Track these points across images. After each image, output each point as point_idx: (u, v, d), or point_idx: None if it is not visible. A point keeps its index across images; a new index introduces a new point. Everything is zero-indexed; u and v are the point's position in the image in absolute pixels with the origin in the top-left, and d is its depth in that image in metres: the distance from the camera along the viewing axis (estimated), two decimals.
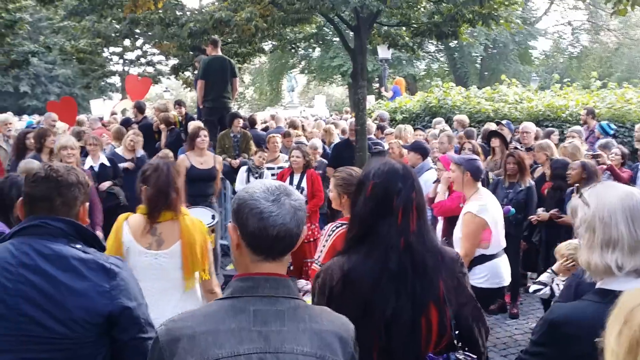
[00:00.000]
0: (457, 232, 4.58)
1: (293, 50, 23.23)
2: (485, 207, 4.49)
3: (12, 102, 35.24)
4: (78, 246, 2.10)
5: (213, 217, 5.62)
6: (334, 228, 3.57)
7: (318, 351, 1.60)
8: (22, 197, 2.19)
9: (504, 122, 9.96)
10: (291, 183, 6.72)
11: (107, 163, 7.16)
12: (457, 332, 2.16)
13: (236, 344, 1.55)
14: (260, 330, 1.58)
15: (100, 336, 2.05)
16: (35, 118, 19.00)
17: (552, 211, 6.10)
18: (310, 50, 33.38)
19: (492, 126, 9.48)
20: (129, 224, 3.50)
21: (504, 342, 5.80)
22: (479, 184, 4.68)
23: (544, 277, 4.25)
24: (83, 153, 7.44)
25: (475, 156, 4.99)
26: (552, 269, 4.21)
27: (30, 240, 2.06)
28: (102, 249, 2.22)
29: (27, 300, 1.97)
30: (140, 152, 7.96)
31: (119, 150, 7.98)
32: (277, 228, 1.62)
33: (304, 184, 6.80)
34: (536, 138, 8.39)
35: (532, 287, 4.34)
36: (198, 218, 3.79)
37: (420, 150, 6.96)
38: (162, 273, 3.47)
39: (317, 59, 36.46)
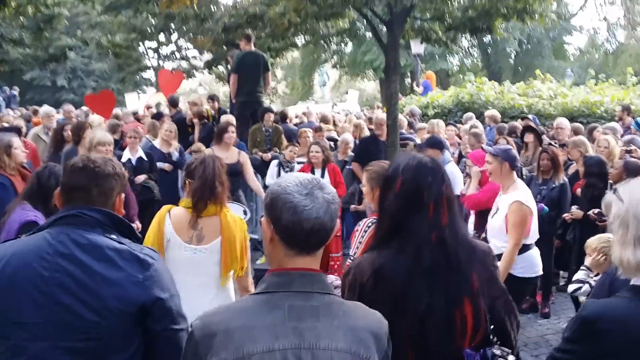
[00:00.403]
0: (496, 221, 4.58)
1: (325, 45, 23.20)
2: (528, 197, 4.54)
3: (50, 95, 35.89)
4: (113, 236, 2.12)
5: (245, 212, 5.66)
6: (370, 224, 3.55)
7: (352, 347, 1.59)
8: (60, 187, 2.22)
9: (529, 116, 9.82)
10: None
11: (145, 157, 7.23)
12: (492, 326, 2.15)
13: (271, 340, 1.55)
14: (295, 326, 1.57)
15: (134, 326, 2.07)
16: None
17: (592, 211, 5.87)
18: (343, 45, 33.29)
19: (518, 123, 9.37)
20: (171, 216, 3.54)
21: (535, 341, 5.73)
22: (516, 175, 4.68)
23: (580, 274, 4.20)
24: (118, 146, 7.54)
25: (509, 146, 4.99)
26: (585, 266, 4.15)
27: (67, 229, 2.08)
28: (137, 240, 2.24)
29: (63, 289, 2.00)
30: (176, 154, 7.93)
31: (157, 143, 7.98)
32: (311, 222, 1.61)
33: (326, 179, 6.81)
34: (576, 134, 8.23)
35: (571, 287, 4.29)
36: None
37: (438, 145, 6.93)
38: (199, 268, 3.50)
39: (350, 53, 36.33)
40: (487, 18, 9.52)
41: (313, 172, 6.88)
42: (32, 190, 3.65)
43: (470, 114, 11.77)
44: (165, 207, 3.64)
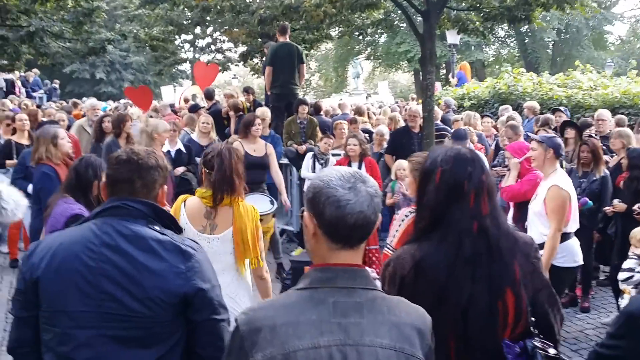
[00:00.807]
0: (535, 206, 4.53)
1: (360, 37, 23.13)
2: (567, 183, 4.49)
3: (89, 88, 36.69)
4: (156, 228, 2.16)
5: (272, 202, 5.67)
6: (408, 213, 3.56)
7: (397, 344, 1.58)
8: (106, 179, 2.26)
9: (561, 108, 9.59)
10: None
11: (184, 149, 7.31)
12: (533, 318, 2.12)
13: (316, 336, 1.54)
14: (340, 322, 1.56)
15: (177, 316, 2.10)
16: (110, 104, 19.72)
17: (638, 206, 5.67)
18: (377, 36, 33.13)
19: (550, 114, 9.17)
20: (186, 206, 3.60)
21: (575, 336, 5.63)
22: (558, 164, 4.63)
23: (630, 263, 4.14)
24: None
25: (555, 134, 4.94)
26: (636, 254, 4.09)
27: (112, 220, 2.13)
28: (178, 231, 2.27)
29: (108, 279, 2.04)
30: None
31: (194, 136, 8.05)
32: (354, 216, 1.59)
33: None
34: (619, 126, 8.01)
35: (621, 275, 4.23)
36: (256, 204, 3.87)
37: (463, 137, 6.84)
38: (213, 256, 3.50)
39: (384, 44, 36.12)
40: (525, 7, 9.34)
41: (350, 166, 6.84)
42: (71, 183, 3.71)
43: (505, 105, 11.57)
44: (181, 197, 3.70)
